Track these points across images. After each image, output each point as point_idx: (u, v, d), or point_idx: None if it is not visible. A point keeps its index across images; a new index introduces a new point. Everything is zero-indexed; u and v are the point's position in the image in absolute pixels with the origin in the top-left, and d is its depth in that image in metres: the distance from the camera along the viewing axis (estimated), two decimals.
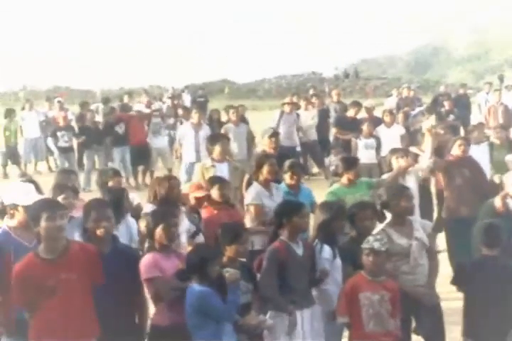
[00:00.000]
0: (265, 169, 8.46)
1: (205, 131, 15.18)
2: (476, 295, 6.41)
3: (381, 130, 14.36)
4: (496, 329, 6.39)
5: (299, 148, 16.43)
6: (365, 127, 14.07)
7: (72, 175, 8.75)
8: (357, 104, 16.40)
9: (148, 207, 7.56)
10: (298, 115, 16.96)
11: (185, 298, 5.65)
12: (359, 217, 6.85)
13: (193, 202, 7.88)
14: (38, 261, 5.36)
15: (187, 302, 5.64)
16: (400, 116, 16.05)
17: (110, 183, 8.37)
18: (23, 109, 21.28)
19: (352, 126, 15.26)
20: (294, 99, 19.11)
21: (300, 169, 8.89)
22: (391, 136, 14.10)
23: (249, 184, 9.04)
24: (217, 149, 9.83)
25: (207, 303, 5.58)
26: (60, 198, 6.96)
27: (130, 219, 7.41)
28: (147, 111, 19.00)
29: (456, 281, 6.63)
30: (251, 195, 8.40)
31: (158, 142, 17.60)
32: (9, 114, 19.93)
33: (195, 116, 15.48)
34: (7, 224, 6.14)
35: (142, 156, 17.50)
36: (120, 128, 17.43)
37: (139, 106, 19.22)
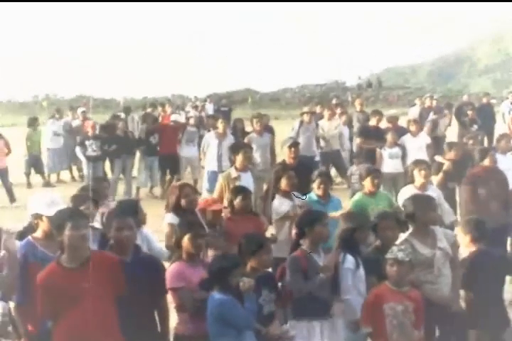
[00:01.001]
0: (283, 182, 8.61)
1: (229, 140, 15.07)
2: (479, 287, 6.66)
3: (407, 139, 14.30)
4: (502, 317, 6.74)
5: (317, 158, 16.38)
6: (389, 136, 13.99)
7: (104, 183, 8.83)
8: (378, 113, 16.33)
9: (168, 217, 7.60)
10: (317, 125, 16.96)
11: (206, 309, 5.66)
12: (381, 227, 6.84)
13: (210, 216, 7.84)
14: (61, 270, 5.38)
15: (208, 311, 5.67)
16: (428, 125, 16.01)
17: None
18: (52, 117, 21.32)
19: (375, 135, 15.20)
20: (318, 109, 19.07)
21: (328, 178, 8.98)
22: (417, 145, 14.04)
23: (267, 194, 9.12)
24: (239, 158, 9.83)
25: (226, 311, 5.59)
26: (80, 209, 6.97)
27: (145, 230, 7.43)
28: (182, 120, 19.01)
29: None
30: (275, 210, 8.54)
31: (189, 151, 17.54)
32: (32, 122, 20.03)
33: (220, 126, 15.47)
34: (31, 234, 6.17)
35: (171, 165, 17.51)
36: (154, 139, 17.46)
37: (175, 116, 19.20)
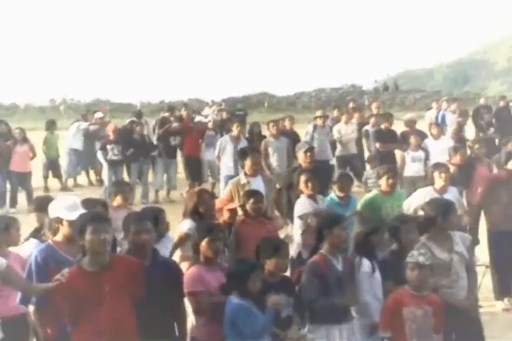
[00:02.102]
0: (308, 185, 8.60)
1: (244, 144, 15.14)
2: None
3: (429, 143, 14.27)
4: None
5: (332, 162, 16.36)
6: (412, 140, 13.97)
7: (125, 187, 8.83)
8: (389, 116, 16.56)
9: (185, 223, 7.60)
10: (331, 128, 16.95)
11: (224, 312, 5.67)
12: (404, 230, 6.80)
13: (226, 215, 7.86)
14: (82, 274, 5.42)
15: (225, 314, 5.68)
16: (454, 127, 16.02)
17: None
18: (77, 120, 21.37)
19: (390, 137, 15.25)
20: (335, 113, 19.05)
21: (348, 180, 9.01)
22: (439, 148, 14.01)
23: (280, 194, 9.12)
24: (247, 163, 9.77)
25: (240, 317, 5.61)
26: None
27: (171, 235, 7.43)
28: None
29: None
30: (298, 208, 8.54)
31: (210, 155, 17.46)
32: (50, 126, 20.13)
33: (235, 130, 15.48)
34: (51, 238, 6.20)
35: (194, 168, 17.55)
36: (174, 140, 17.50)
37: (199, 118, 19.22)
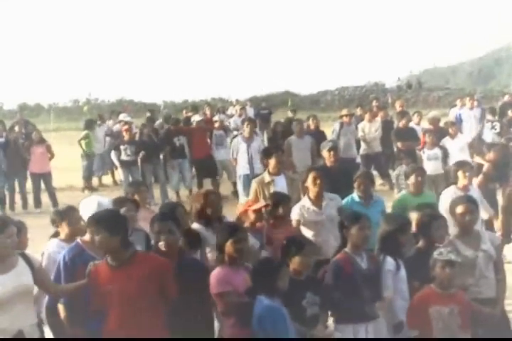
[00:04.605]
0: (308, 182, 8.51)
1: (257, 142, 15.40)
2: None
3: (447, 141, 14.24)
4: None
5: (358, 160, 16.34)
6: (427, 138, 13.95)
7: (141, 187, 8.86)
8: (406, 113, 16.63)
9: (194, 226, 7.58)
10: (356, 126, 16.94)
11: (253, 313, 5.67)
12: (435, 226, 6.78)
13: (252, 217, 7.79)
14: (105, 268, 5.65)
15: (254, 314, 5.66)
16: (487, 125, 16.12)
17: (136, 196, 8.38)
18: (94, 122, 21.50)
19: (409, 135, 15.24)
20: (358, 111, 19.02)
21: (369, 179, 8.92)
22: (458, 146, 13.99)
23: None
24: (272, 162, 9.78)
25: (271, 318, 5.59)
26: (121, 211, 7.00)
27: None
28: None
29: None
30: (294, 210, 8.42)
31: (221, 155, 17.58)
32: (90, 125, 20.27)
33: (246, 129, 15.47)
34: (81, 238, 6.31)
35: (207, 169, 17.44)
36: (178, 140, 17.36)
37: (197, 117, 19.31)
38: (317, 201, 8.45)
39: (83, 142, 19.76)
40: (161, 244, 6.00)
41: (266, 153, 10.24)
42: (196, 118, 18.85)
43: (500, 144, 12.31)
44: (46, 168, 17.47)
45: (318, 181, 8.43)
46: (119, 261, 5.60)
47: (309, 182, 8.49)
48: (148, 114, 22.79)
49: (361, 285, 6.31)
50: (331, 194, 8.60)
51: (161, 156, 17.86)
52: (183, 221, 7.20)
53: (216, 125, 18.42)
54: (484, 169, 10.62)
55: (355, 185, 8.67)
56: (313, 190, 8.49)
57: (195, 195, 7.95)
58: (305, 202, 8.50)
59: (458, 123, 16.84)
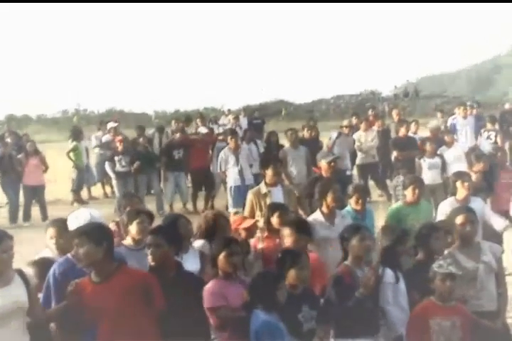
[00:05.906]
0: (329, 197, 8.22)
1: (245, 151, 15.47)
2: None
3: (443, 150, 14.15)
4: None
5: (349, 172, 16.07)
6: (428, 146, 13.81)
7: (134, 199, 8.74)
8: (404, 122, 16.47)
9: (197, 244, 7.44)
10: (353, 139, 16.85)
11: (248, 327, 5.57)
12: (434, 238, 6.72)
13: (243, 234, 7.69)
14: (89, 284, 5.64)
15: (251, 329, 5.57)
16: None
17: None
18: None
19: (408, 144, 15.14)
20: (353, 120, 18.87)
21: (365, 193, 8.84)
22: (454, 155, 13.89)
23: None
24: (269, 173, 9.63)
25: (269, 333, 5.49)
26: (135, 222, 6.99)
27: (198, 244, 7.33)
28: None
29: None
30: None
31: None
32: (78, 135, 19.71)
33: (231, 141, 15.46)
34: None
35: (204, 181, 17.30)
36: (178, 154, 17.13)
37: (203, 129, 19.12)
38: (330, 216, 8.22)
39: (72, 154, 19.31)
40: (149, 258, 5.98)
41: (263, 164, 10.13)
42: (202, 130, 18.75)
43: (489, 154, 12.19)
44: (40, 180, 17.18)
45: (336, 196, 8.21)
46: (103, 274, 5.59)
47: (329, 197, 8.26)
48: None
49: (362, 299, 6.17)
50: (341, 211, 8.40)
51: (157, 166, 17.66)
52: (186, 232, 7.14)
53: (220, 137, 18.22)
54: (473, 179, 10.46)
55: (352, 199, 8.50)
56: (330, 205, 8.22)
57: (204, 215, 7.76)
58: (317, 215, 8.28)
59: (452, 132, 16.73)
